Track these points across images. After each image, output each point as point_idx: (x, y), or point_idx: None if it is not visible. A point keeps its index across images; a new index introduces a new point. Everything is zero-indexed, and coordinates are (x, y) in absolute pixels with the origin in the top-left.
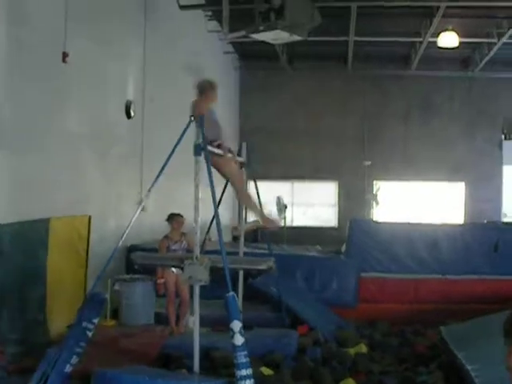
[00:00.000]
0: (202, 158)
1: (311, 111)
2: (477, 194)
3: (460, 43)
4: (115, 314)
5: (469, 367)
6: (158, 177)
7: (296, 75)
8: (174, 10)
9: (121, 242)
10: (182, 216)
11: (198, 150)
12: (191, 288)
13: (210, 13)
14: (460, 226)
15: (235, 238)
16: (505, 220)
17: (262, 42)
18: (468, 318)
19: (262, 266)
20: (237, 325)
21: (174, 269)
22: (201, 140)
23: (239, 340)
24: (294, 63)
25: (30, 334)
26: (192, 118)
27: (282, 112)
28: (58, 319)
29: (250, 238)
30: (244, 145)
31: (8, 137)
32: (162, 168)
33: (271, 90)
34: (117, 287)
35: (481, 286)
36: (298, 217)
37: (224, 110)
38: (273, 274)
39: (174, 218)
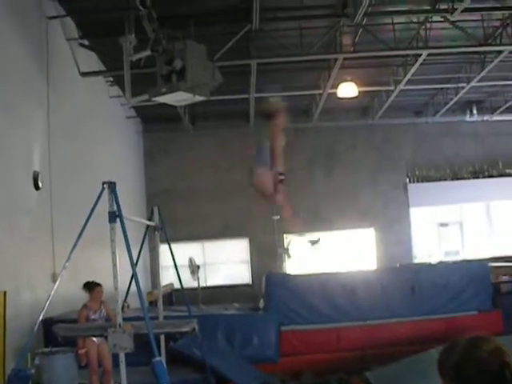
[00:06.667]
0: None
1: (216, 170)
2: (387, 238)
3: (359, 92)
4: None
5: None
6: (72, 249)
7: (199, 135)
8: (76, 77)
9: (41, 316)
10: (100, 285)
11: (113, 217)
12: (113, 356)
13: (111, 78)
14: (375, 271)
15: (151, 303)
16: (417, 261)
17: (164, 104)
18: (392, 362)
19: (185, 328)
20: None
21: (94, 338)
22: (115, 207)
23: None
24: (196, 124)
25: None
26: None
27: (187, 173)
28: None
29: (166, 301)
30: (156, 209)
31: None
32: (78, 238)
33: (175, 152)
34: (37, 361)
35: (402, 329)
36: (212, 276)
37: (129, 174)
38: (195, 335)
39: (93, 287)
